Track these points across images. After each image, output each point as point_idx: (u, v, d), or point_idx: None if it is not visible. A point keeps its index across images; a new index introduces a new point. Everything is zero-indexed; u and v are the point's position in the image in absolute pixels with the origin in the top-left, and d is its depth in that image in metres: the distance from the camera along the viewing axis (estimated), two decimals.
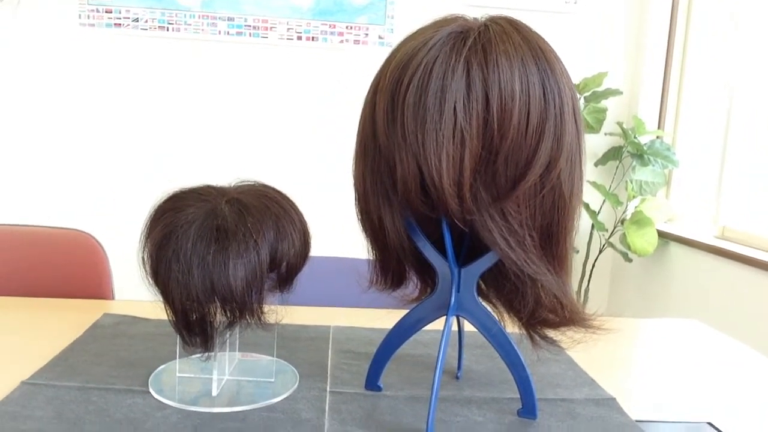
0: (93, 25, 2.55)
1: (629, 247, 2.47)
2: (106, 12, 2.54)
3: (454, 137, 0.58)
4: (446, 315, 0.69)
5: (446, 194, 0.60)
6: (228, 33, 2.60)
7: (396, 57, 0.62)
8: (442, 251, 0.68)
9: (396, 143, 0.60)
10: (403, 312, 0.74)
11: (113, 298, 1.15)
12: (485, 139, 0.59)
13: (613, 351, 0.95)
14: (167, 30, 2.57)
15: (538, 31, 0.63)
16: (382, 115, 0.61)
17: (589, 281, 2.72)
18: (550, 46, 0.62)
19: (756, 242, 2.19)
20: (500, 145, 0.59)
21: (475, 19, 0.63)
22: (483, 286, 0.75)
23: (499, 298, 0.73)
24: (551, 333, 0.71)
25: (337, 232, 2.55)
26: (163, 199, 0.68)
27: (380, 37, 2.66)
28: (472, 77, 0.57)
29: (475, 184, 0.61)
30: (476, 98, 0.58)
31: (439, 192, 0.60)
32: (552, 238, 0.65)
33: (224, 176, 2.65)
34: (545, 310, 0.67)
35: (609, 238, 2.68)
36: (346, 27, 2.64)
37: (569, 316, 0.67)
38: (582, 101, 2.61)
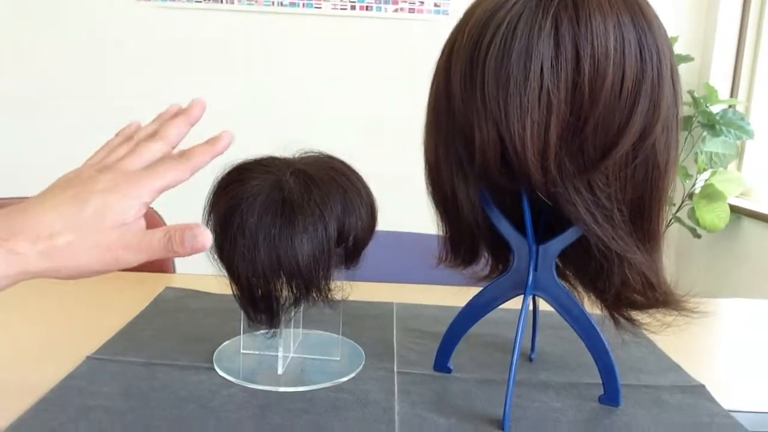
0: None
1: (698, 222, 2.35)
2: None
3: (539, 102, 0.53)
4: (523, 294, 0.64)
5: (529, 165, 0.55)
6: (282, 4, 2.56)
7: (474, 15, 0.56)
8: (518, 226, 0.64)
9: (474, 110, 0.55)
10: (470, 290, 0.69)
11: (174, 272, 1.15)
12: (574, 104, 0.53)
13: (696, 333, 0.88)
14: (221, 2, 2.56)
15: None
16: (459, 79, 0.56)
17: None
18: (647, 1, 0.56)
19: None
20: (590, 110, 0.53)
21: None
22: (560, 264, 0.70)
23: (580, 278, 0.68)
24: (638, 315, 0.65)
25: (401, 207, 2.51)
26: (226, 171, 0.66)
27: (436, 5, 2.58)
28: (561, 35, 0.52)
29: (560, 154, 0.55)
30: (566, 58, 0.52)
31: (521, 162, 0.55)
32: (644, 212, 0.59)
33: (283, 148, 2.65)
34: (633, 291, 0.62)
35: (676, 212, 2.56)
36: None
37: (661, 298, 0.62)
38: None
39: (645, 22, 0.54)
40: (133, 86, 2.63)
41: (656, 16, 0.56)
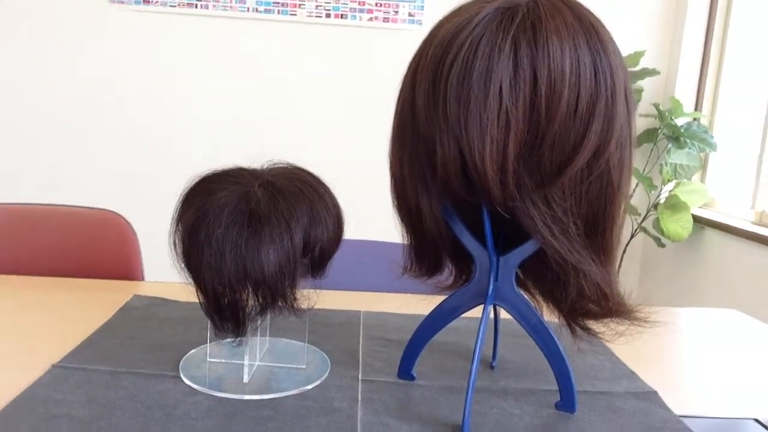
0: (122, 2, 2.54)
1: (662, 232, 2.41)
2: None
3: (498, 120, 0.55)
4: (484, 304, 0.66)
5: (489, 180, 0.57)
6: (257, 10, 2.57)
7: (438, 35, 0.58)
8: (479, 238, 0.66)
9: (437, 126, 0.57)
10: (434, 299, 0.71)
11: (143, 279, 1.15)
12: (531, 123, 0.56)
13: (652, 341, 0.92)
14: (196, 7, 2.55)
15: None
16: (423, 97, 0.58)
17: (619, 267, 2.67)
18: (602, 23, 0.58)
19: None
20: (547, 128, 0.56)
21: None
22: (521, 275, 0.72)
23: (539, 288, 0.70)
24: (593, 324, 0.68)
25: (368, 215, 2.53)
26: (194, 182, 0.67)
27: (410, 15, 2.61)
28: (520, 57, 0.54)
29: (518, 170, 0.58)
30: (524, 79, 0.54)
31: (481, 177, 0.57)
32: (598, 226, 0.62)
33: (252, 156, 2.64)
34: (588, 301, 0.64)
35: (642, 222, 2.62)
36: (376, 4, 2.60)
37: (614, 308, 0.64)
38: None
39: (600, 45, 0.56)
40: (104, 89, 2.61)
41: (611, 39, 0.58)
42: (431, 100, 0.58)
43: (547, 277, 0.66)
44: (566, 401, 0.68)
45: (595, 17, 0.59)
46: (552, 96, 0.55)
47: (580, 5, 0.58)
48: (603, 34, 0.58)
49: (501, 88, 0.54)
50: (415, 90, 0.60)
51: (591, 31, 0.57)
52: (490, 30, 0.55)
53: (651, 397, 0.72)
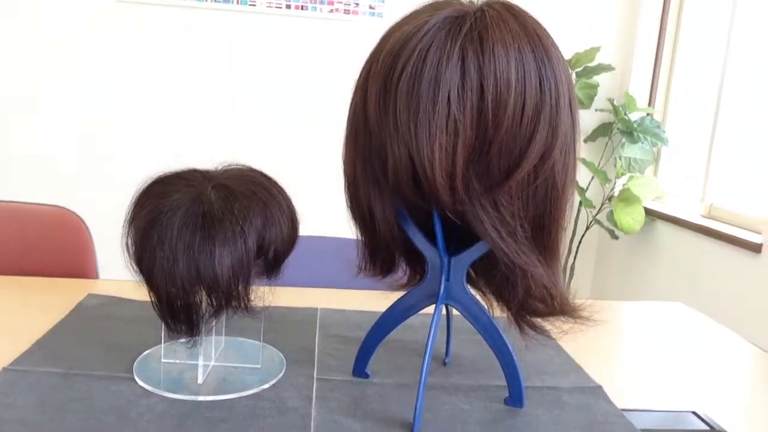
0: None
1: (616, 225, 2.47)
2: None
3: (447, 127, 0.57)
4: (435, 304, 0.68)
5: (438, 185, 0.58)
6: (215, 0, 2.53)
7: (389, 42, 0.60)
8: (432, 240, 0.67)
9: (387, 132, 0.59)
10: (393, 295, 0.73)
11: (98, 278, 1.13)
12: (479, 130, 0.57)
13: (600, 336, 0.95)
14: None
15: (533, 14, 0.61)
16: (374, 103, 0.60)
17: (575, 258, 2.73)
18: (547, 33, 0.60)
19: (742, 221, 2.20)
20: (494, 135, 0.58)
21: (470, 2, 0.61)
22: (473, 274, 0.75)
23: (489, 287, 0.72)
24: (540, 322, 0.70)
25: (327, 211, 2.53)
26: (147, 184, 0.66)
27: (371, 7, 2.61)
28: (467, 66, 0.56)
29: (467, 175, 0.60)
30: (471, 87, 0.56)
31: (430, 183, 0.58)
32: (544, 229, 0.64)
33: (210, 150, 2.61)
34: (535, 300, 0.67)
35: (596, 215, 2.68)
36: None
37: (559, 307, 0.67)
38: (573, 77, 2.59)
39: (545, 55, 0.58)
40: (55, 84, 2.54)
41: (555, 48, 0.60)
42: (382, 108, 0.59)
43: (497, 277, 0.68)
44: (514, 397, 0.70)
45: (541, 27, 0.61)
46: (498, 104, 0.56)
47: (526, 15, 0.60)
48: (548, 43, 0.60)
49: (449, 97, 0.56)
50: (367, 96, 0.61)
51: (536, 41, 0.59)
52: (439, 38, 0.57)
53: (596, 391, 0.75)
